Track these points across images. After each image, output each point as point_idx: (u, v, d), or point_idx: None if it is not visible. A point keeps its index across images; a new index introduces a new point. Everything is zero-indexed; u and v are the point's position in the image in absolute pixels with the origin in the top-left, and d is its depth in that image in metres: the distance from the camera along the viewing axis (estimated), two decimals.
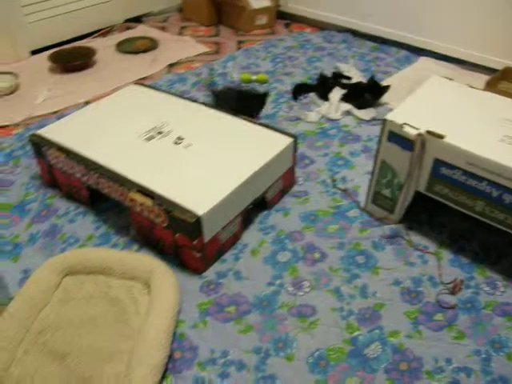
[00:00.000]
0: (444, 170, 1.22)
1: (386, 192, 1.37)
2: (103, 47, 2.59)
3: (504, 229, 1.20)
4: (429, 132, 1.20)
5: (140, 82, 2.18)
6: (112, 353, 1.08)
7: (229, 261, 1.32)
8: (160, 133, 1.46)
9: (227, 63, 2.40)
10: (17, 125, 1.98)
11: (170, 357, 1.07)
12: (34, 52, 2.57)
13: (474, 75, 2.19)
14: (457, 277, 1.25)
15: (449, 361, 1.07)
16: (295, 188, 1.57)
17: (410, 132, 1.22)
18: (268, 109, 1.98)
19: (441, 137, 1.18)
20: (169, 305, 1.12)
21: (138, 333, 1.09)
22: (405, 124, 1.23)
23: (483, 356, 1.08)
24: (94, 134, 1.48)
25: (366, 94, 1.97)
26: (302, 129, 1.86)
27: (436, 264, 1.30)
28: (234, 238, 1.36)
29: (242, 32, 2.83)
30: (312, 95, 2.08)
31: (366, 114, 1.92)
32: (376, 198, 1.41)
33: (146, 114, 1.55)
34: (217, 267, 1.30)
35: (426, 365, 1.07)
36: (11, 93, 2.19)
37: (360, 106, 1.97)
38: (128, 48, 2.59)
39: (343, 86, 2.04)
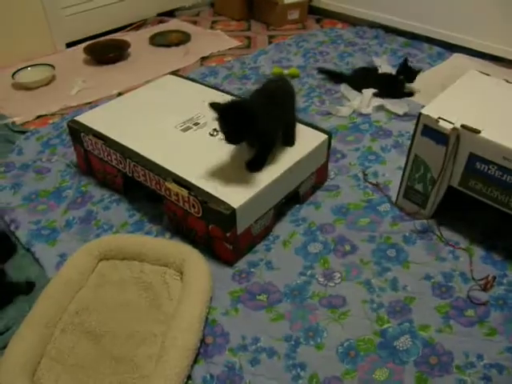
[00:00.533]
0: (478, 165, 1.21)
1: (419, 187, 1.37)
2: (136, 40, 2.63)
3: None
4: (464, 126, 1.19)
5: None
6: (145, 336, 1.11)
7: (260, 251, 1.33)
8: (196, 124, 1.49)
9: (258, 57, 2.42)
10: (53, 115, 2.03)
11: (202, 342, 1.10)
12: (69, 45, 2.63)
13: (510, 73, 2.16)
14: (489, 273, 1.24)
15: (480, 357, 1.07)
16: (327, 182, 1.58)
17: (445, 126, 1.21)
18: (300, 102, 1.98)
19: (476, 131, 1.17)
20: (201, 291, 1.14)
21: (170, 317, 1.12)
22: (440, 118, 1.22)
23: None
24: (131, 123, 1.51)
25: (399, 77, 1.99)
26: (334, 123, 1.86)
27: (467, 260, 1.29)
28: (266, 231, 1.37)
29: (273, 27, 2.84)
30: (344, 86, 2.08)
31: (398, 108, 1.91)
32: (408, 192, 1.41)
33: (182, 105, 1.58)
34: (248, 257, 1.32)
35: (457, 359, 1.06)
36: (48, 84, 2.25)
37: (392, 92, 2.00)
38: (161, 41, 2.63)
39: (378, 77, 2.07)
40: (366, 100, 1.95)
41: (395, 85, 2.01)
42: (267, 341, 1.11)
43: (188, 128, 1.47)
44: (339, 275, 1.26)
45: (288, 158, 1.35)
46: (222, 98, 1.20)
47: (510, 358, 1.06)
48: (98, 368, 1.05)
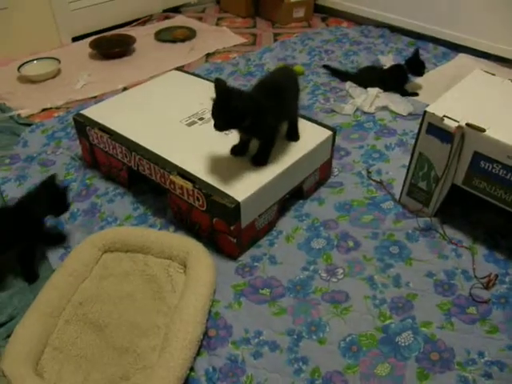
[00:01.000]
0: (483, 164, 1.21)
1: (422, 185, 1.37)
2: (142, 35, 2.64)
3: None
4: (469, 125, 1.19)
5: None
6: (148, 327, 1.11)
7: (264, 246, 1.34)
8: (201, 119, 1.49)
9: (264, 54, 2.42)
10: (58, 108, 2.04)
11: (205, 334, 1.10)
12: (75, 39, 2.64)
13: None
14: (491, 272, 1.25)
15: (481, 354, 1.07)
16: (330, 178, 1.58)
17: (450, 124, 1.22)
18: (305, 100, 1.99)
19: (481, 130, 1.18)
20: (205, 284, 1.15)
21: (174, 309, 1.13)
22: (445, 116, 1.23)
23: None
24: (136, 117, 1.52)
25: (404, 66, 2.02)
26: (338, 121, 1.87)
27: (470, 258, 1.29)
28: (270, 226, 1.38)
29: (278, 24, 2.84)
30: (349, 84, 2.09)
31: (402, 109, 1.91)
32: (411, 190, 1.42)
33: (187, 100, 1.59)
34: (252, 251, 1.33)
35: (458, 356, 1.07)
36: (53, 77, 2.26)
37: (397, 83, 2.03)
38: (166, 37, 2.64)
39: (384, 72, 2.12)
40: (369, 99, 1.96)
41: (400, 75, 2.03)
42: (270, 334, 1.11)
43: (193, 122, 1.48)
44: (342, 271, 1.26)
45: (293, 154, 1.36)
46: None
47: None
48: (101, 359, 1.06)
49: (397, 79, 2.04)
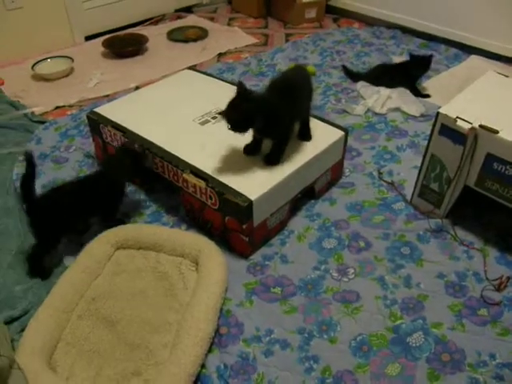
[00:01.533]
0: (496, 166, 1.21)
1: (434, 186, 1.37)
2: (154, 35, 2.65)
3: None
4: (482, 126, 1.19)
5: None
6: (160, 324, 1.12)
7: (275, 245, 1.35)
8: (214, 118, 1.50)
9: (275, 55, 2.43)
10: (71, 106, 2.06)
11: (217, 332, 1.11)
12: (88, 38, 2.66)
13: None
14: (503, 274, 1.25)
15: (493, 356, 1.07)
16: (342, 179, 1.59)
17: (463, 126, 1.22)
18: (316, 100, 1.99)
19: (495, 131, 1.17)
20: (217, 281, 1.15)
21: (185, 307, 1.13)
22: (458, 118, 1.23)
23: None
24: (149, 116, 1.53)
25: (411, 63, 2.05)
26: (350, 122, 1.87)
27: (481, 260, 1.29)
28: (281, 225, 1.38)
29: (290, 25, 2.85)
30: (361, 84, 2.09)
31: (414, 110, 1.91)
32: (423, 191, 1.42)
33: (200, 99, 1.59)
34: (263, 250, 1.33)
35: (469, 358, 1.07)
36: (66, 76, 2.28)
37: (408, 77, 2.05)
38: (178, 36, 2.65)
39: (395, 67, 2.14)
40: (381, 100, 1.96)
41: (408, 70, 2.05)
42: (281, 333, 1.12)
43: (206, 121, 1.49)
44: (353, 271, 1.27)
45: (305, 153, 1.36)
46: None
47: None
48: (113, 354, 1.07)
49: (405, 74, 2.05)
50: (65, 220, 1.26)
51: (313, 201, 1.49)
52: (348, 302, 1.19)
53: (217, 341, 1.10)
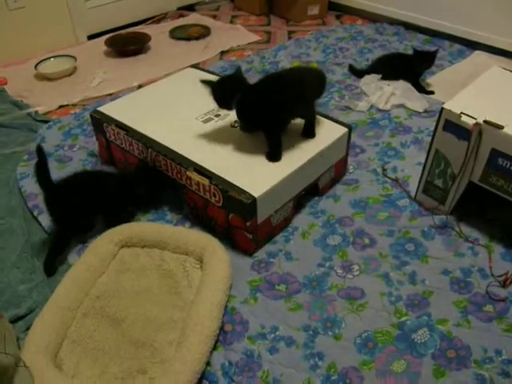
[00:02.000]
0: (501, 161, 1.20)
1: (439, 182, 1.37)
2: (157, 33, 2.65)
3: None
4: (487, 122, 1.18)
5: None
6: (165, 322, 1.12)
7: (279, 242, 1.34)
8: (217, 115, 1.50)
9: (278, 52, 2.42)
10: (74, 105, 2.06)
11: (222, 329, 1.11)
12: (91, 37, 2.66)
13: None
14: (508, 270, 1.24)
15: (499, 352, 1.07)
16: (346, 176, 1.58)
17: (468, 121, 1.21)
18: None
19: (500, 127, 1.17)
20: (221, 279, 1.15)
21: (190, 304, 1.13)
22: (462, 113, 1.22)
23: None
24: (153, 114, 1.53)
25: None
26: (353, 118, 1.86)
27: (486, 256, 1.29)
28: (285, 222, 1.38)
29: (293, 22, 2.84)
30: (363, 81, 2.08)
31: (418, 106, 1.90)
32: (427, 188, 1.41)
33: (202, 97, 1.58)
34: (267, 247, 1.33)
35: (475, 354, 1.06)
36: (69, 75, 2.28)
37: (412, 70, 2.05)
38: (181, 35, 2.65)
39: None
40: (384, 96, 1.95)
41: (410, 62, 2.05)
42: (286, 330, 1.12)
43: (209, 119, 1.49)
44: (358, 268, 1.26)
45: (309, 150, 1.36)
46: None
47: None
48: (118, 352, 1.07)
49: (408, 66, 2.04)
50: (83, 206, 1.30)
51: (317, 198, 1.49)
52: (353, 298, 1.19)
53: (221, 338, 1.10)
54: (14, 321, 1.15)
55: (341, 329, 1.12)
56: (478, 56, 2.32)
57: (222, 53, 2.48)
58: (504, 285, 1.21)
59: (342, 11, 2.94)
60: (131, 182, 1.40)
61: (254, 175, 1.27)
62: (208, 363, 1.04)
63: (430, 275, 1.24)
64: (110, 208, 1.37)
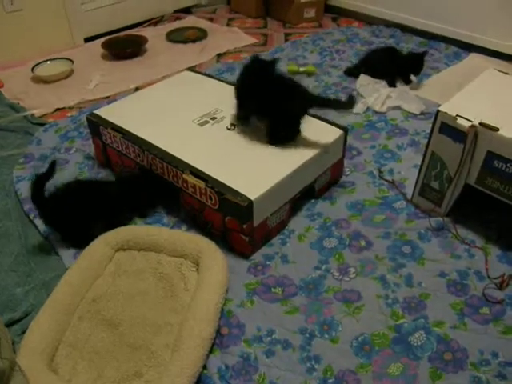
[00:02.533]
0: (496, 163, 1.21)
1: (435, 184, 1.37)
2: (154, 36, 2.65)
3: None
4: (482, 124, 1.19)
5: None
6: (162, 325, 1.12)
7: (276, 245, 1.34)
8: (213, 118, 1.50)
9: (275, 55, 2.42)
10: (71, 108, 2.06)
11: (218, 332, 1.11)
12: (87, 39, 2.66)
13: None
14: (504, 272, 1.24)
15: (495, 354, 1.07)
16: (342, 178, 1.58)
17: (463, 124, 1.21)
18: None
19: (495, 129, 1.17)
20: (218, 282, 1.15)
21: (187, 307, 1.13)
22: (458, 116, 1.22)
23: None
24: (149, 117, 1.53)
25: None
26: (350, 121, 1.87)
27: (483, 259, 1.29)
28: (282, 225, 1.38)
29: (289, 24, 2.85)
30: (359, 83, 2.09)
31: (414, 108, 1.91)
32: (424, 190, 1.41)
33: (199, 100, 1.59)
34: (264, 250, 1.33)
35: (472, 356, 1.06)
36: (66, 78, 2.28)
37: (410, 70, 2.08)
38: (178, 37, 2.65)
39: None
40: (380, 99, 1.96)
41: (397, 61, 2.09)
42: (282, 333, 1.12)
43: (205, 122, 1.49)
44: (354, 270, 1.26)
45: (304, 153, 1.36)
46: None
47: None
48: (115, 355, 1.07)
49: (391, 64, 2.08)
50: (77, 221, 1.31)
51: (313, 200, 1.49)
52: (349, 301, 1.18)
53: (218, 341, 1.10)
54: (9, 324, 1.14)
55: (337, 332, 1.12)
56: (474, 58, 2.33)
57: (219, 55, 2.48)
58: (500, 287, 1.21)
59: (339, 14, 2.95)
60: (127, 188, 1.40)
61: (250, 178, 1.26)
62: (204, 367, 1.04)
63: (427, 277, 1.24)
64: (107, 217, 1.36)
